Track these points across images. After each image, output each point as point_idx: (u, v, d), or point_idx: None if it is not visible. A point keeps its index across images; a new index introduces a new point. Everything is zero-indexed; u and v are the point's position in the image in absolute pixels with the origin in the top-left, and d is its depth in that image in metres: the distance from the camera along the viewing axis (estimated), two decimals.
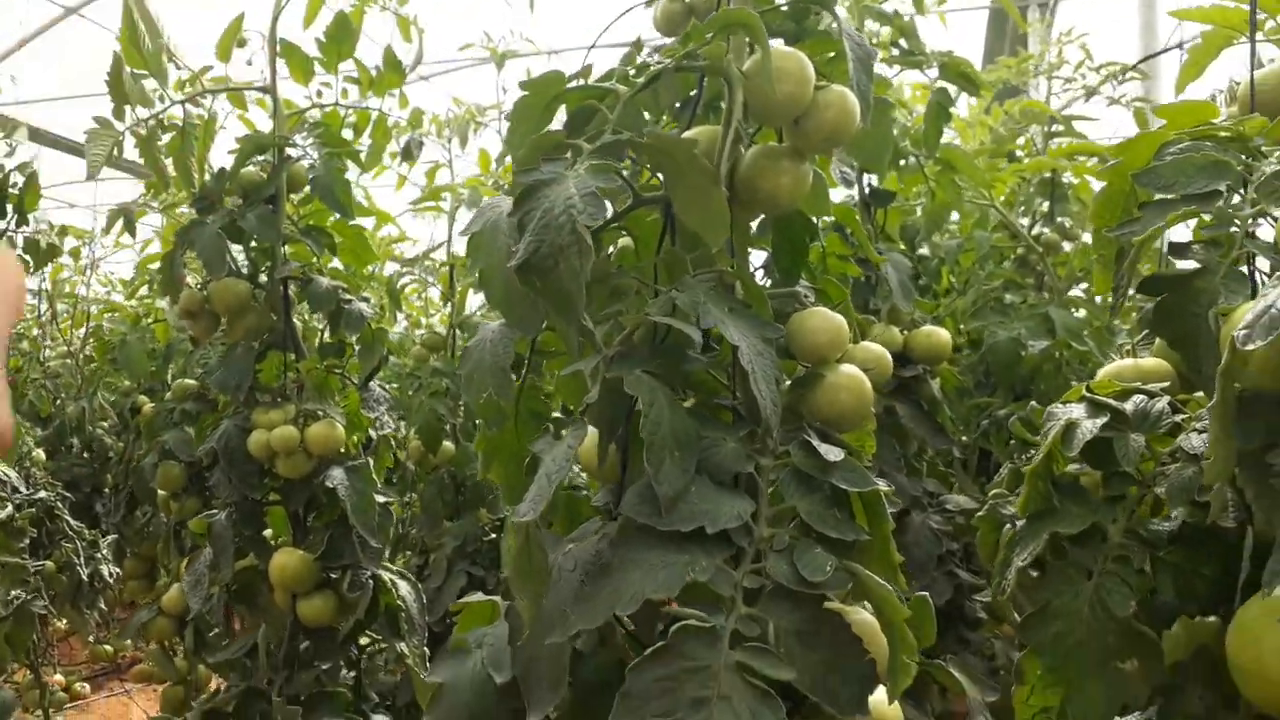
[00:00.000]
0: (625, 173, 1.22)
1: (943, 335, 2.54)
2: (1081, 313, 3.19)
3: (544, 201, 0.95)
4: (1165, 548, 1.05)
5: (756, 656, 0.89)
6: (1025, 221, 3.61)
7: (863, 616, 1.07)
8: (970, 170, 2.76)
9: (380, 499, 2.15)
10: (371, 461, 2.24)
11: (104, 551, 4.03)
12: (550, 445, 1.06)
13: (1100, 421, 1.10)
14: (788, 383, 1.16)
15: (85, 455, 4.98)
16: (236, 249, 2.26)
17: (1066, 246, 3.25)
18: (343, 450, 2.23)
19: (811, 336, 1.13)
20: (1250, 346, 0.79)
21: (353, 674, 2.32)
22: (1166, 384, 1.18)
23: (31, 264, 2.62)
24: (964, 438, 3.23)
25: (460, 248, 3.55)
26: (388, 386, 2.55)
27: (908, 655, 1.01)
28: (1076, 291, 3.46)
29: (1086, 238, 3.20)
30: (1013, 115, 3.41)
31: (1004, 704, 1.53)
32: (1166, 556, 1.05)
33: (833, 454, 1.02)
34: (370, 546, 2.10)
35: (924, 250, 3.41)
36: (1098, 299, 3.02)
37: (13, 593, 2.79)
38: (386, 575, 2.16)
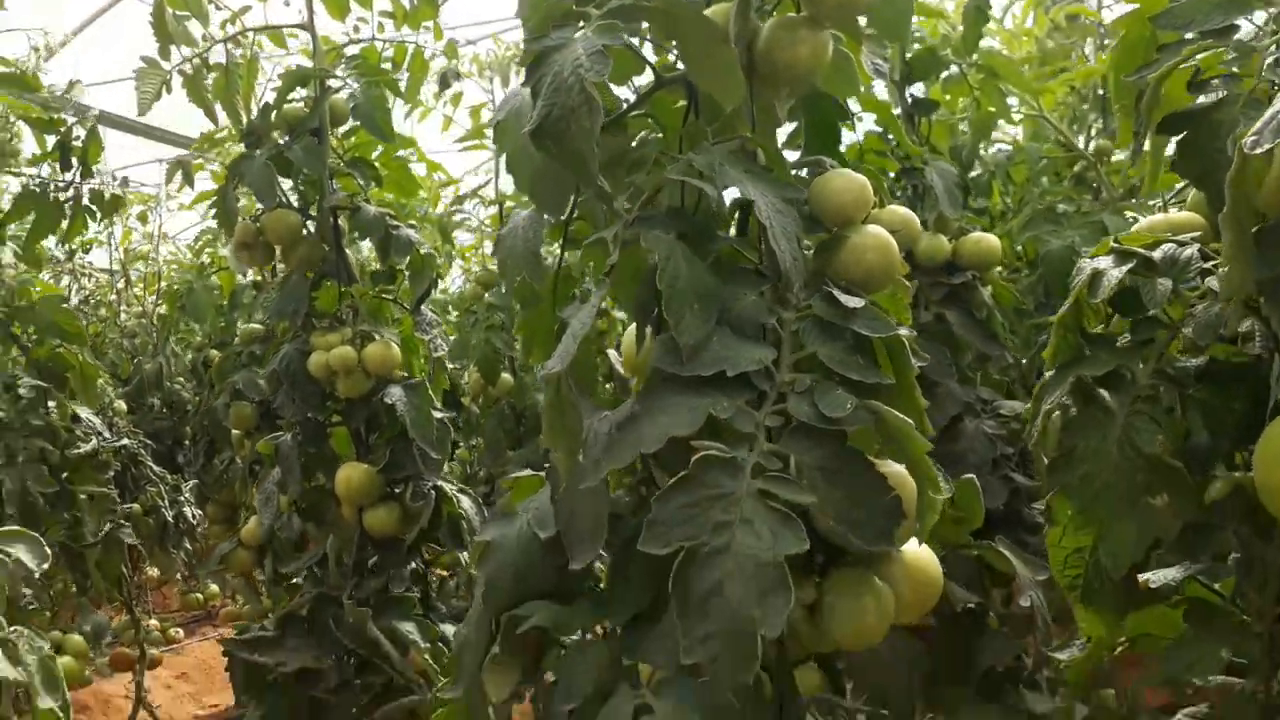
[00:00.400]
0: (652, 61, 1.24)
1: (991, 241, 2.52)
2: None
3: (554, 66, 0.98)
4: (1194, 385, 1.06)
5: (778, 484, 0.92)
6: (1080, 140, 3.52)
7: (892, 467, 1.09)
8: (1013, 76, 2.71)
9: (438, 415, 2.22)
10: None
11: (186, 495, 4.22)
12: (577, 309, 1.10)
13: (1127, 268, 1.11)
14: (811, 248, 1.18)
15: (165, 410, 5.20)
16: (287, 185, 2.33)
17: (1119, 155, 3.17)
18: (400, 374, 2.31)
19: (835, 197, 1.14)
20: (1259, 150, 0.79)
21: (420, 590, 2.42)
22: (1198, 234, 1.17)
23: (98, 214, 2.73)
24: (1024, 360, 3.19)
25: (507, 185, 3.61)
26: (448, 337, 2.61)
27: (933, 491, 1.04)
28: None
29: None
30: (1058, 24, 3.32)
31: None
32: (1195, 394, 1.05)
33: (854, 302, 1.04)
34: (430, 458, 2.18)
35: (976, 171, 3.36)
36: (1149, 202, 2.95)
37: (104, 525, 2.95)
38: (448, 487, 2.24)
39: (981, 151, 3.32)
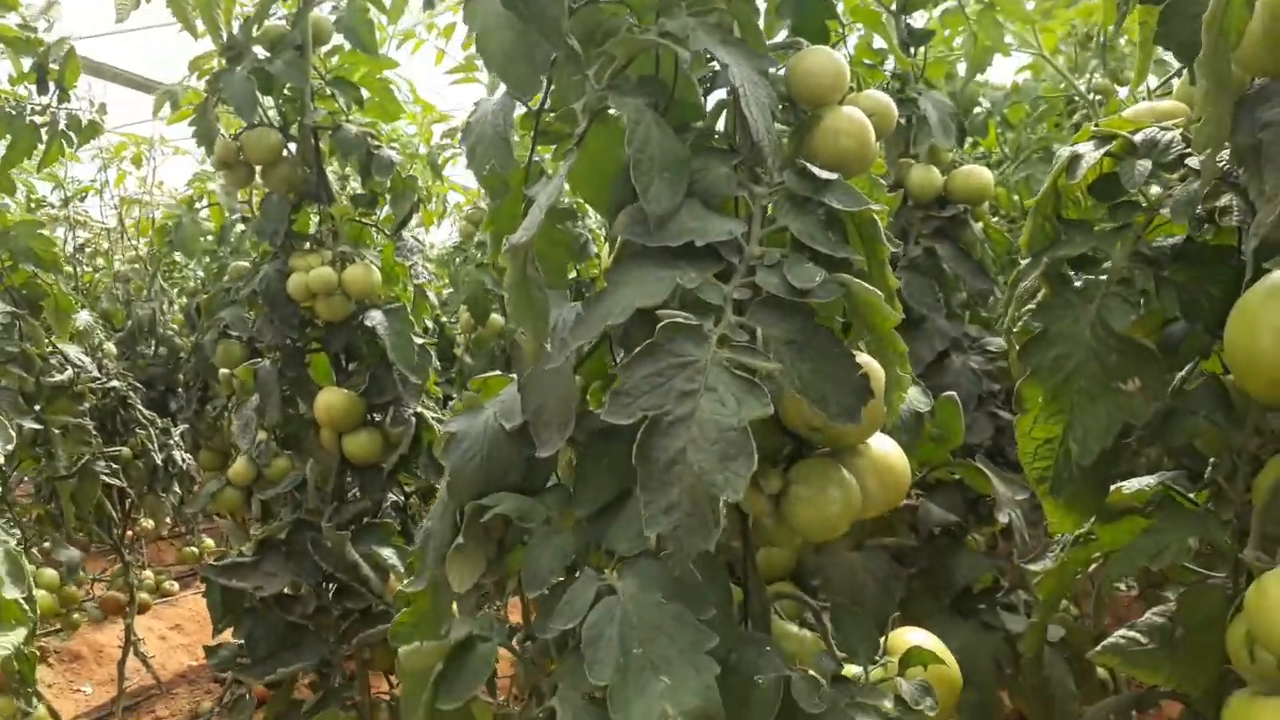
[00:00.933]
0: None
1: (982, 174, 2.49)
2: None
3: None
4: (1170, 266, 1.03)
5: (744, 354, 0.90)
6: (1082, 86, 3.47)
7: (864, 357, 1.08)
8: (1011, 7, 2.66)
9: (418, 340, 2.20)
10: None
11: (176, 439, 4.21)
12: (544, 184, 1.07)
13: (1106, 149, 1.08)
14: (786, 133, 1.15)
15: (158, 356, 5.18)
16: (268, 104, 2.30)
17: (1121, 93, 3.12)
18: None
19: (810, 78, 1.11)
20: None
21: (400, 519, 2.41)
22: (1182, 121, 1.14)
23: (75, 140, 2.68)
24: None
25: None
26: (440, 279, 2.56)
27: (901, 368, 1.02)
28: None
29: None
30: None
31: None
32: (1171, 275, 1.03)
33: (827, 175, 1.01)
34: (411, 383, 2.16)
35: (977, 109, 3.32)
36: None
37: (80, 458, 2.93)
38: (428, 414, 2.22)
39: (981, 99, 3.28)
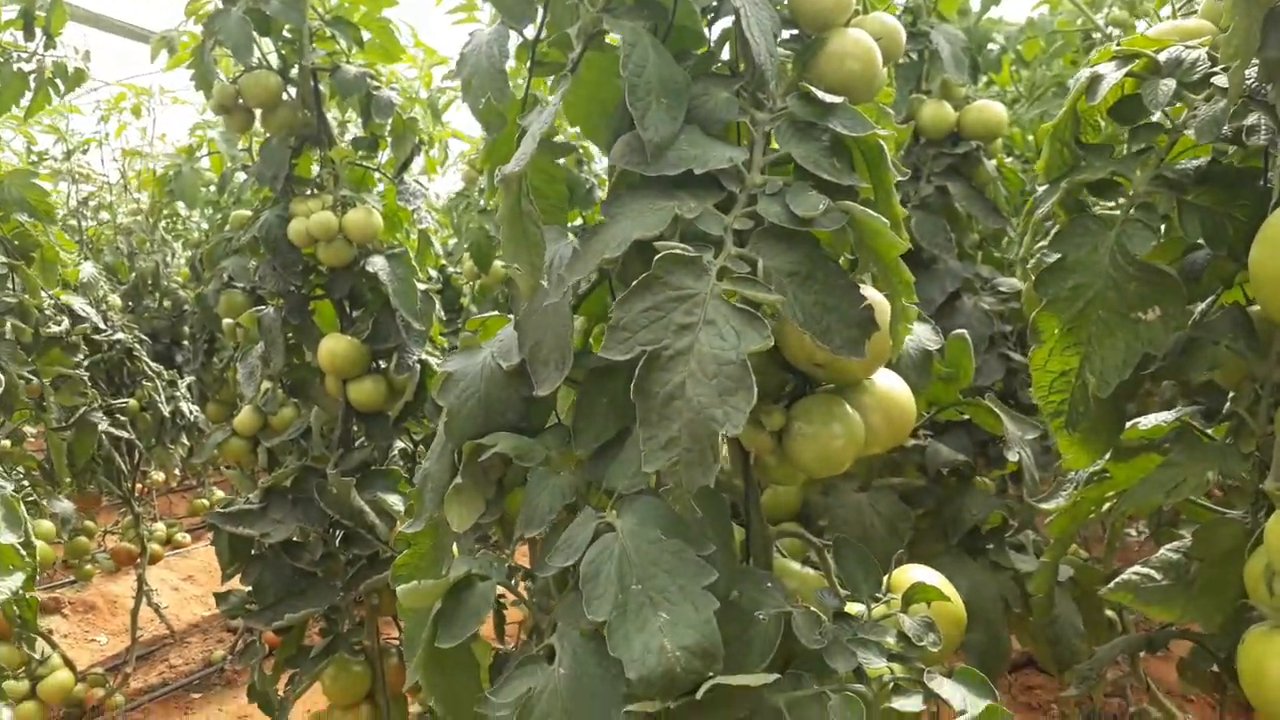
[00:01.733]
0: None
1: (996, 109, 2.42)
2: None
3: None
4: (1193, 190, 0.99)
5: (744, 285, 0.87)
6: (1100, 20, 3.38)
7: (868, 289, 1.04)
8: None
9: (421, 286, 2.17)
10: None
11: (183, 390, 4.21)
12: (537, 113, 1.03)
13: (1127, 69, 1.03)
14: (789, 57, 1.10)
15: (162, 308, 5.16)
16: (267, 47, 2.24)
17: (1140, 26, 3.03)
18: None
19: None
20: None
21: (408, 467, 2.40)
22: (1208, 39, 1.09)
23: (61, 87, 2.63)
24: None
25: None
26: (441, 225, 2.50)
27: (907, 298, 0.98)
28: None
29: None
30: None
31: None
32: (1194, 199, 0.98)
33: (832, 99, 0.97)
34: (414, 329, 2.13)
35: (991, 45, 3.23)
36: None
37: (76, 410, 2.92)
38: (433, 361, 2.20)
39: (995, 35, 3.19)
